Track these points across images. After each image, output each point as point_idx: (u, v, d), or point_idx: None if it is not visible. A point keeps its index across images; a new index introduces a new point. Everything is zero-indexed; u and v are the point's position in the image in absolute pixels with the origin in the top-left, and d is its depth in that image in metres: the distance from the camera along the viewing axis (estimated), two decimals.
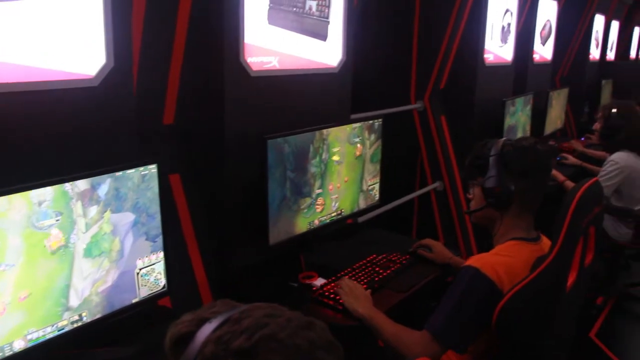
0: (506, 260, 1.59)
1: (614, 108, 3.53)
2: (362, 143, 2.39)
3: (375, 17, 3.78)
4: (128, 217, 1.55)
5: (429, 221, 3.74)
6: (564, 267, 1.46)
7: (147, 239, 1.62)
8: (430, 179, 3.64)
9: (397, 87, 3.75)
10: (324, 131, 2.17)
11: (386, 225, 3.20)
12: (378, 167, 2.50)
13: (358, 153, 2.37)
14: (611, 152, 3.54)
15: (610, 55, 7.82)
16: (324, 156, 2.19)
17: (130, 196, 1.54)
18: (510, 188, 1.68)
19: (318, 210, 2.21)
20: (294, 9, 2.20)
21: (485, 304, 1.51)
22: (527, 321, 1.49)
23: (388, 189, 3.46)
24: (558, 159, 4.09)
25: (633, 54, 9.82)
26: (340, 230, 2.55)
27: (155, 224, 1.63)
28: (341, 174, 2.30)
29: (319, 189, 2.20)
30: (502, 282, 1.53)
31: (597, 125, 3.65)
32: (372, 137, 2.44)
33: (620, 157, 3.45)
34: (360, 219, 3.05)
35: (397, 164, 3.79)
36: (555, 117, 4.79)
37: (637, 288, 3.96)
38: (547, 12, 4.90)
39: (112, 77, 1.65)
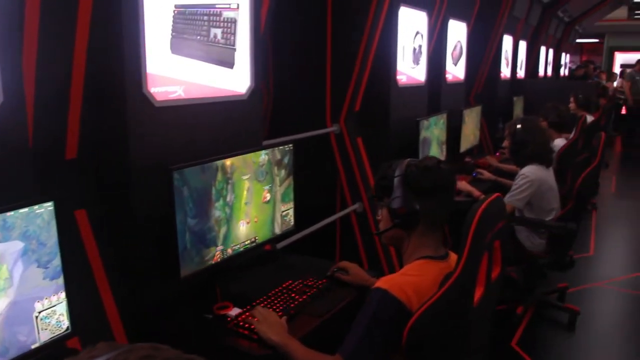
0: (414, 279, 1.61)
1: (519, 124, 3.67)
2: (271, 181, 2.38)
3: (289, 42, 3.82)
4: (16, 245, 1.48)
5: (352, 243, 3.76)
6: (469, 282, 1.49)
7: (44, 278, 1.55)
8: (350, 201, 3.67)
9: (313, 111, 3.78)
10: (228, 169, 2.14)
11: (309, 249, 3.20)
12: (292, 195, 2.49)
13: (266, 199, 2.36)
14: (521, 166, 3.66)
15: (521, 73, 8.18)
16: (228, 198, 2.16)
17: (18, 224, 1.47)
18: (416, 208, 1.70)
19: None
20: (198, 37, 2.19)
21: (396, 325, 1.52)
22: (436, 339, 1.50)
23: (308, 213, 3.47)
24: (474, 174, 4.21)
25: (542, 71, 10.31)
26: (258, 257, 2.52)
27: (51, 257, 1.56)
28: (250, 214, 2.28)
29: (225, 235, 2.17)
30: (411, 302, 1.54)
31: (505, 142, 3.78)
32: (283, 173, 2.43)
33: (529, 171, 3.58)
34: (280, 245, 3.04)
35: (317, 188, 3.82)
36: (470, 134, 4.94)
37: (553, 295, 4.10)
38: (457, 33, 5.07)
39: (1, 112, 1.59)
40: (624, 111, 12.08)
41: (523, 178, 3.56)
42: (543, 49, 10.27)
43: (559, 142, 4.74)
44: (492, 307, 1.76)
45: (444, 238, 1.79)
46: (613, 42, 20.56)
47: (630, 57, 16.44)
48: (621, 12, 15.40)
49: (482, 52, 6.41)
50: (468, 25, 5.35)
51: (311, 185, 3.85)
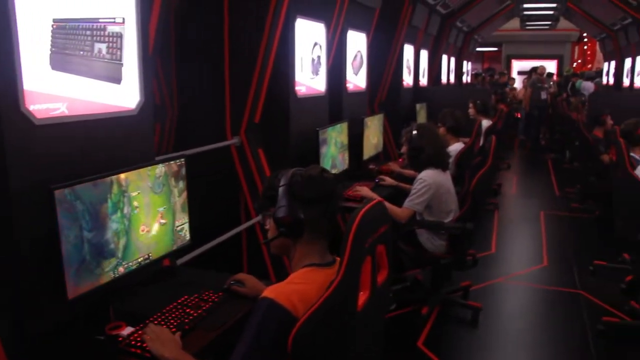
0: (300, 287, 1.63)
1: (415, 130, 3.79)
2: (169, 192, 2.35)
3: (192, 55, 3.80)
4: None
5: (258, 256, 3.76)
6: (352, 287, 1.52)
7: None
8: (254, 213, 3.67)
9: (215, 123, 3.77)
10: (123, 182, 2.10)
11: (216, 263, 3.17)
12: (186, 208, 2.47)
13: (168, 222, 2.33)
14: (419, 170, 3.78)
15: (424, 81, 8.46)
16: (126, 210, 2.12)
17: None
18: (300, 216, 1.72)
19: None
20: (81, 52, 2.13)
21: (283, 334, 1.52)
22: (321, 345, 1.52)
23: (213, 226, 3.45)
24: (376, 180, 4.30)
25: (445, 79, 10.70)
26: (155, 273, 2.47)
27: None
28: (149, 225, 2.25)
29: (124, 246, 2.13)
30: (297, 310, 1.56)
31: (403, 148, 3.89)
32: (181, 184, 2.41)
33: (427, 175, 3.69)
34: (183, 259, 3.00)
35: (221, 200, 3.80)
36: (373, 141, 5.05)
37: (457, 294, 4.25)
38: (357, 44, 5.19)
39: None
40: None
41: (421, 182, 3.67)
42: (445, 57, 10.67)
43: (456, 146, 4.93)
44: (381, 311, 1.80)
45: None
46: (509, 51, 21.71)
47: (525, 65, 17.43)
48: (515, 23, 16.26)
49: (384, 61, 6.59)
50: (368, 36, 5.48)
51: (215, 198, 3.83)
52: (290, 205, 1.73)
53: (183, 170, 2.42)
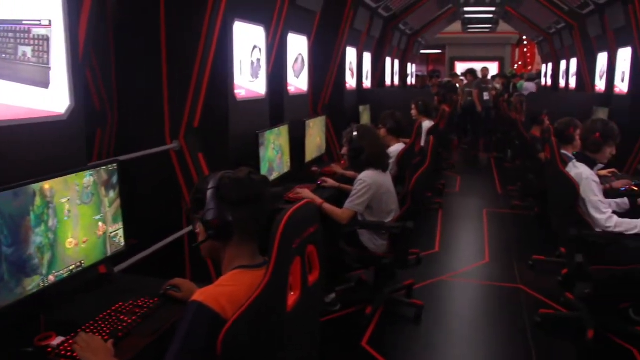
0: (229, 289, 1.62)
1: (354, 132, 3.82)
2: (99, 202, 2.30)
3: (131, 59, 3.74)
4: None
5: (202, 260, 3.71)
6: (280, 287, 1.52)
7: None
8: None
9: (155, 127, 3.72)
10: (48, 193, 2.04)
11: (159, 269, 3.13)
12: (120, 215, 2.43)
13: (100, 232, 2.30)
14: (359, 171, 3.81)
15: (367, 83, 8.54)
16: (50, 223, 2.06)
17: None
18: (228, 219, 1.72)
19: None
20: (3, 55, 2.08)
21: (212, 336, 1.52)
22: (251, 346, 1.52)
23: (151, 233, 3.40)
24: (318, 182, 4.31)
25: (389, 81, 10.84)
26: (91, 281, 2.42)
27: None
28: (77, 237, 2.20)
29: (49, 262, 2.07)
30: (225, 312, 1.55)
31: (344, 150, 3.92)
32: (112, 193, 2.36)
33: (367, 176, 3.73)
34: (121, 266, 2.95)
35: (162, 205, 3.75)
36: (316, 143, 5.07)
37: (401, 293, 4.30)
38: (298, 47, 5.21)
39: None
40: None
41: (361, 183, 3.70)
42: (389, 59, 10.81)
43: (397, 147, 5.00)
44: (314, 311, 1.81)
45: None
46: (453, 53, 22.19)
47: (468, 66, 17.77)
48: (458, 26, 16.62)
49: (327, 64, 6.62)
50: (309, 39, 5.50)
51: (156, 203, 3.78)
52: (218, 208, 1.73)
53: (115, 178, 2.37)
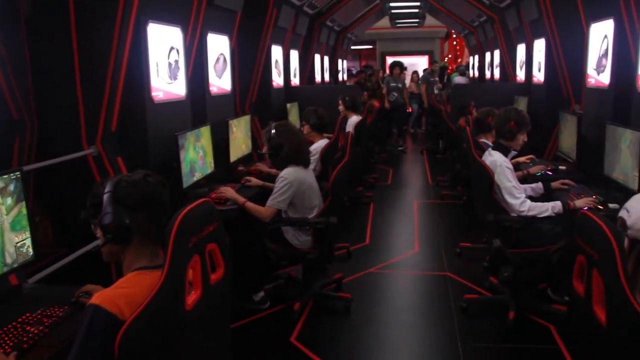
0: (126, 291, 1.62)
1: (273, 129, 3.84)
2: None
3: (42, 64, 3.64)
4: None
5: None
6: (177, 287, 1.52)
7: None
8: None
9: (72, 133, 3.64)
10: None
11: (83, 276, 3.06)
12: (25, 223, 2.36)
13: None
14: (281, 169, 3.83)
15: (296, 80, 8.56)
16: None
17: None
18: (125, 222, 1.72)
19: None
20: None
21: (110, 339, 1.50)
22: (150, 347, 1.51)
23: (67, 240, 3.33)
24: (243, 182, 4.31)
25: (319, 78, 10.89)
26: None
27: None
28: None
29: None
30: (123, 313, 1.54)
31: (264, 148, 3.93)
32: (9, 201, 2.29)
33: (288, 173, 3.75)
34: (33, 279, 2.87)
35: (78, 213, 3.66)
36: (241, 143, 5.06)
37: (331, 287, 4.34)
38: (219, 47, 5.17)
39: None
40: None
41: (282, 180, 3.72)
42: (318, 56, 10.86)
43: (320, 143, 5.05)
44: (220, 309, 1.81)
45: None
46: (383, 48, 22.50)
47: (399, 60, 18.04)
48: (387, 21, 16.86)
49: (253, 63, 6.61)
50: (231, 38, 5.48)
51: (78, 210, 3.68)
52: (115, 212, 1.72)
53: (12, 186, 2.30)
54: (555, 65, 6.50)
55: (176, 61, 4.16)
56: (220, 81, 5.20)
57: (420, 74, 13.62)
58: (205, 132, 4.21)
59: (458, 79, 14.65)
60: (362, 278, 4.68)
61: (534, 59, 7.41)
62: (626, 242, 1.63)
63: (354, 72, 16.80)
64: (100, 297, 1.59)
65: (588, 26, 5.08)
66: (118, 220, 1.72)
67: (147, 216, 1.75)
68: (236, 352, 3.48)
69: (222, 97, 5.23)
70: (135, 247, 1.75)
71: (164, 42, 3.98)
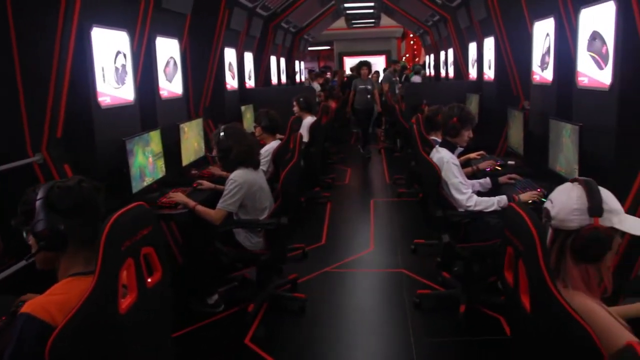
0: (59, 298, 1.61)
1: (222, 132, 3.84)
2: None
3: None
4: None
5: None
6: (109, 291, 1.51)
7: None
8: None
9: (15, 141, 3.57)
10: None
11: (27, 287, 3.02)
12: None
13: None
14: (231, 171, 3.83)
15: (251, 83, 8.55)
16: None
17: None
18: (59, 228, 1.71)
19: None
20: None
21: (42, 346, 1.50)
22: (83, 352, 1.51)
23: (16, 250, 3.27)
24: (194, 185, 4.29)
25: (275, 80, 10.89)
26: None
27: None
28: None
29: None
30: (55, 320, 1.53)
31: (214, 151, 3.93)
32: None
33: (237, 175, 3.76)
34: None
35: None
36: (193, 146, 5.03)
37: (286, 287, 4.36)
38: (169, 50, 5.13)
39: None
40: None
41: (232, 183, 3.72)
42: (274, 58, 10.85)
43: (272, 144, 5.07)
44: (159, 312, 1.81)
45: None
46: (340, 48, 22.63)
47: (356, 61, 18.19)
48: (343, 22, 16.97)
49: (205, 66, 6.58)
50: (181, 42, 5.44)
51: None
52: (48, 218, 1.71)
53: None
54: (505, 63, 6.64)
55: (123, 66, 4.13)
56: (171, 85, 5.16)
57: (381, 74, 13.76)
58: (154, 136, 4.18)
59: (415, 78, 14.87)
60: (318, 278, 4.71)
61: (485, 57, 7.56)
62: (550, 232, 1.69)
63: (317, 72, 16.90)
64: (32, 305, 1.57)
65: (532, 25, 5.21)
66: (52, 227, 1.70)
67: (82, 221, 1.74)
68: (189, 355, 3.50)
69: (173, 101, 5.19)
70: (70, 253, 1.74)
71: (109, 46, 3.95)
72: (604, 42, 3.61)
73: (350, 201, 7.50)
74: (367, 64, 10.51)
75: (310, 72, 18.58)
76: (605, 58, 3.59)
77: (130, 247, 1.58)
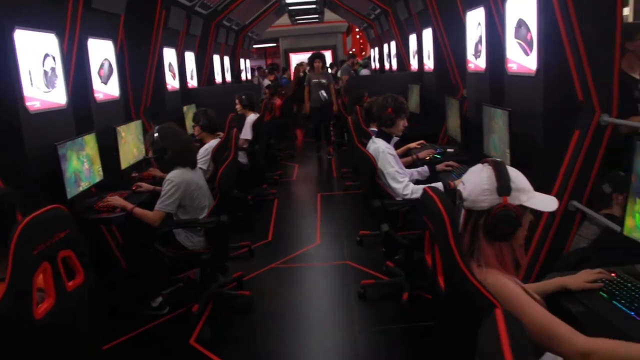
0: None
1: (156, 132, 3.79)
2: None
3: None
4: None
5: None
6: (21, 296, 1.49)
7: None
8: None
9: None
10: None
11: None
12: None
13: None
14: (168, 171, 3.79)
15: (194, 82, 8.48)
16: None
17: None
18: None
19: None
20: None
21: None
22: None
23: None
24: (134, 188, 4.23)
25: (220, 78, 10.81)
26: None
27: None
28: None
29: None
30: None
31: (150, 153, 3.88)
32: None
33: (174, 175, 3.72)
34: None
35: None
36: (132, 149, 4.96)
37: (231, 286, 4.35)
38: (103, 52, 5.04)
39: None
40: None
41: (169, 183, 3.69)
42: (217, 57, 10.77)
43: (212, 143, 5.05)
44: (80, 316, 1.79)
45: None
46: (286, 45, 22.62)
47: (302, 57, 18.26)
48: (287, 18, 16.95)
49: (144, 67, 6.48)
50: (115, 43, 5.35)
51: None
52: None
53: None
54: (443, 53, 6.75)
55: (53, 69, 4.03)
56: (107, 87, 5.07)
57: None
58: (89, 140, 4.10)
59: (364, 72, 15.00)
60: (264, 274, 4.71)
61: (424, 48, 7.66)
62: (463, 213, 1.73)
63: (267, 68, 16.88)
64: None
65: (465, 15, 5.31)
66: None
67: None
68: (133, 359, 3.46)
69: (109, 103, 5.10)
70: None
71: (36, 49, 3.85)
72: (528, 29, 3.70)
73: (297, 197, 7.52)
74: (321, 57, 9.90)
75: (259, 69, 18.54)
76: (530, 44, 3.69)
77: (44, 251, 1.56)
